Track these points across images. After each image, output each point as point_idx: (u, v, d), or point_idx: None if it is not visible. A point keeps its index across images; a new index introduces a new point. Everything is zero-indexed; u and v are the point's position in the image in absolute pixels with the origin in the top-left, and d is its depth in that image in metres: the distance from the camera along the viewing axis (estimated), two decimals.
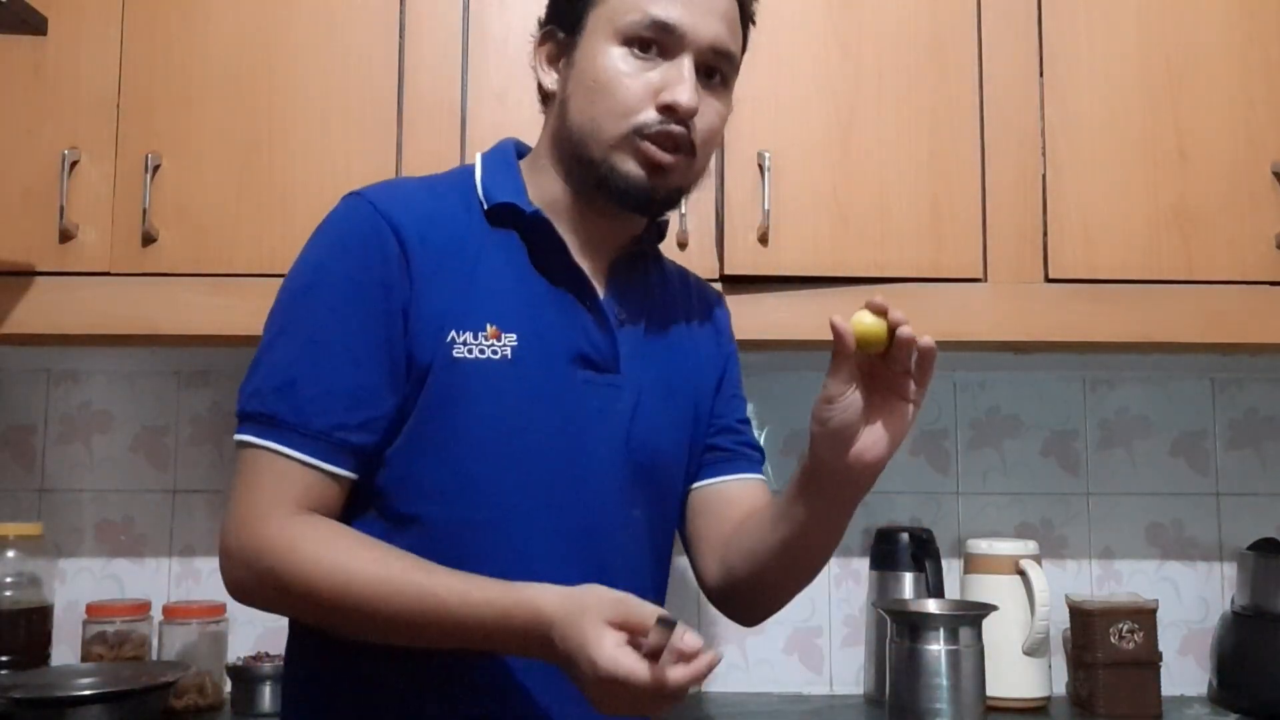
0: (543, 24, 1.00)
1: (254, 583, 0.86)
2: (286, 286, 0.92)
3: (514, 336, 0.92)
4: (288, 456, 0.86)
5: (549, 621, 0.78)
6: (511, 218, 0.96)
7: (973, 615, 1.38)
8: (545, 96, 1.00)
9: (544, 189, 0.98)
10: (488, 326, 0.91)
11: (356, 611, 0.83)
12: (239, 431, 0.88)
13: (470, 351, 0.90)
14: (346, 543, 0.86)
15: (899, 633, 1.38)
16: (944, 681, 1.34)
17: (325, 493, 0.88)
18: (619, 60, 0.93)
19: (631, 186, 0.93)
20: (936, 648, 1.35)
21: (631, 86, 0.92)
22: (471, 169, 1.00)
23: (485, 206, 0.96)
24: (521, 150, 1.04)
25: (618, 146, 0.93)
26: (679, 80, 0.92)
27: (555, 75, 0.98)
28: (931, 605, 1.43)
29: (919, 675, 1.34)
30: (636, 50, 0.93)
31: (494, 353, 0.91)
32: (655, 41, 0.93)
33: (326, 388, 0.87)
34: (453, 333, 0.90)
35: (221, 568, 0.87)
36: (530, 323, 0.93)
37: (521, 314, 0.93)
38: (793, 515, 0.96)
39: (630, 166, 0.93)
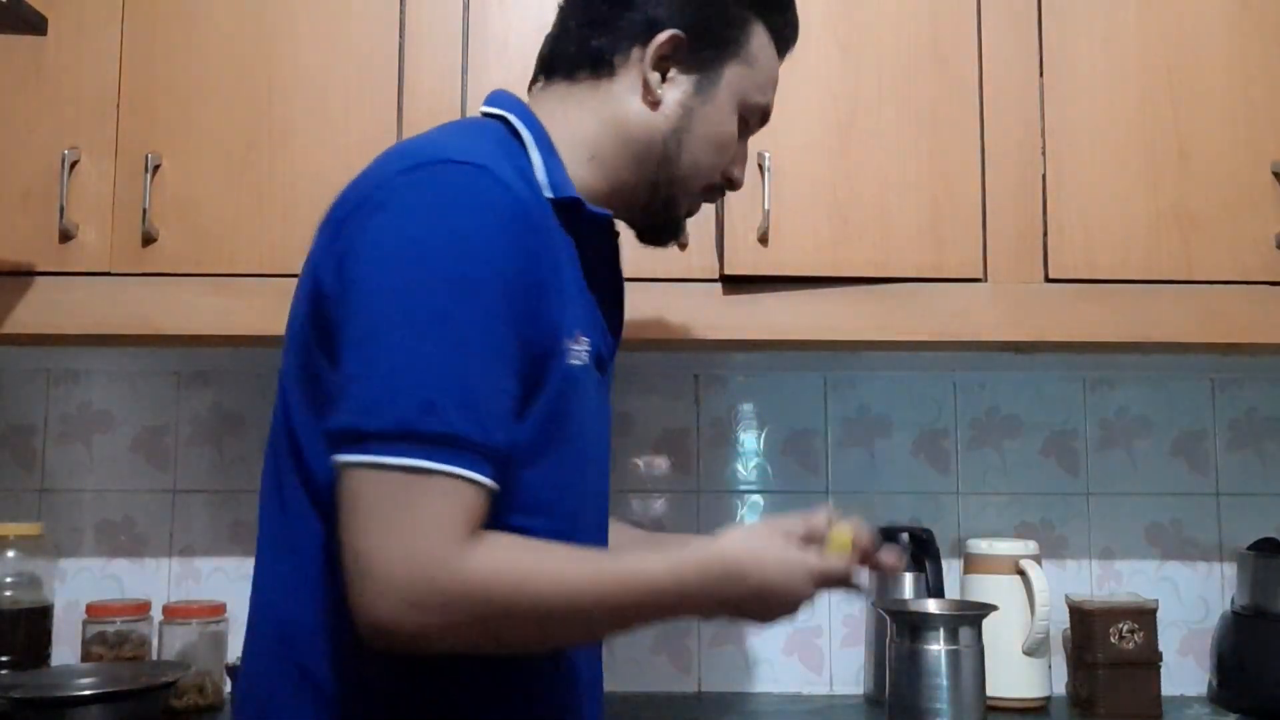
0: (673, 23, 0.94)
1: (449, 627, 0.74)
2: (432, 274, 0.76)
3: (587, 341, 0.88)
4: (469, 480, 0.75)
5: (740, 559, 0.82)
6: (570, 213, 0.90)
7: (973, 615, 1.39)
8: (600, 65, 0.94)
9: (583, 182, 0.93)
10: (575, 330, 0.86)
11: (581, 615, 0.79)
12: (396, 452, 0.73)
13: (573, 358, 0.85)
14: (536, 553, 0.79)
15: (899, 633, 1.38)
16: (944, 681, 1.34)
17: (486, 509, 0.78)
18: (734, 129, 0.99)
19: (671, 225, 1.02)
20: (937, 648, 1.35)
21: (730, 156, 1.00)
22: (511, 142, 0.91)
23: (549, 195, 0.88)
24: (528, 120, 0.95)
25: (690, 194, 1.00)
26: (744, 159, 1.03)
27: (660, 81, 0.94)
28: (932, 605, 1.43)
29: (919, 675, 1.34)
30: (740, 124, 1.00)
31: (582, 359, 0.87)
32: (751, 125, 1.02)
33: (501, 401, 0.78)
34: (565, 338, 0.85)
35: (386, 617, 0.73)
36: (590, 326, 0.91)
37: (585, 316, 0.90)
38: None
39: (682, 211, 1.01)
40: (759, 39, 0.98)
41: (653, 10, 0.94)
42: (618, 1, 0.94)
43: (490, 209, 0.79)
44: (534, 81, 1.01)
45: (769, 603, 0.84)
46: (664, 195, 0.97)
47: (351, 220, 0.81)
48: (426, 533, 0.73)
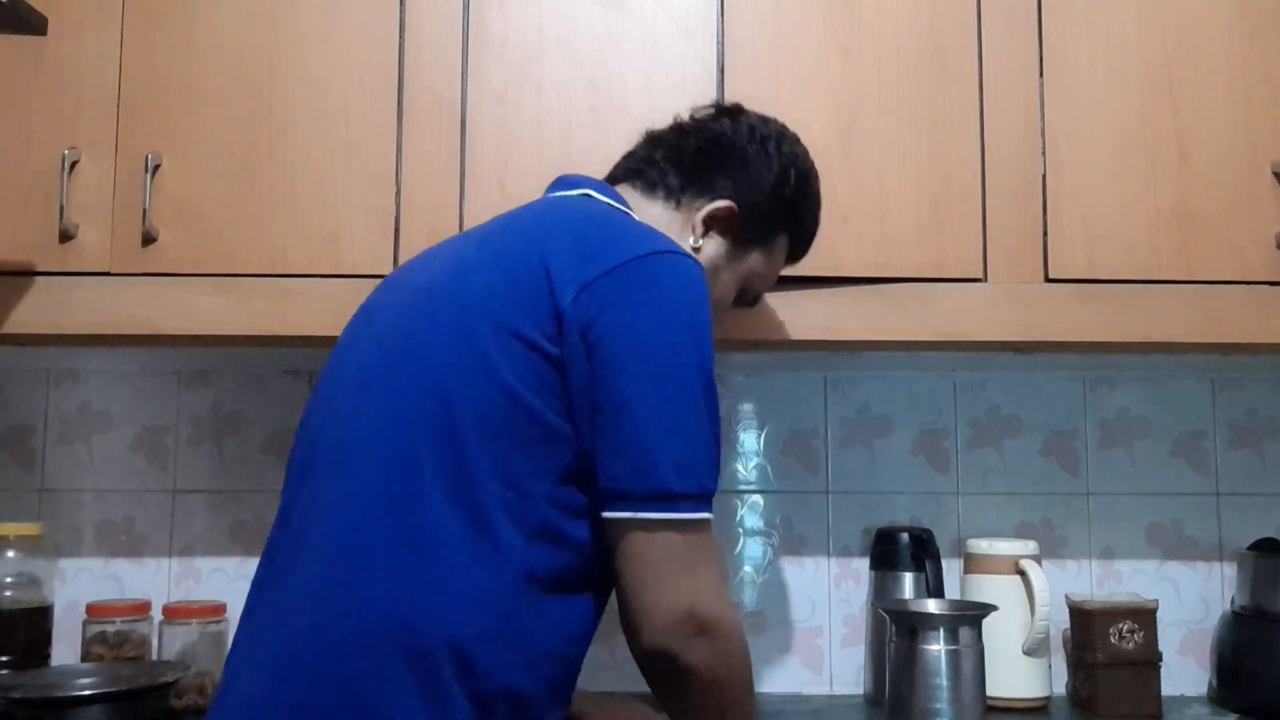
0: (734, 198, 1.12)
1: (731, 660, 0.91)
2: (691, 352, 0.92)
3: None
4: (707, 522, 0.92)
5: None
6: None
7: (973, 615, 1.38)
8: (671, 197, 1.13)
9: None
10: None
11: (750, 706, 0.96)
12: (683, 509, 0.89)
13: None
14: None
15: (898, 633, 1.38)
16: (944, 682, 1.34)
17: None
18: (730, 301, 1.18)
19: None
20: (937, 648, 1.35)
21: (719, 316, 1.12)
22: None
23: None
24: None
25: None
26: (720, 322, 1.14)
27: (704, 234, 1.12)
28: (931, 605, 1.42)
29: (919, 675, 1.34)
30: (737, 296, 1.19)
31: None
32: (745, 300, 1.22)
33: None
34: None
35: (684, 632, 0.88)
36: None
37: None
38: None
39: None
40: (781, 242, 1.19)
41: (725, 181, 1.13)
42: (705, 161, 1.13)
43: (703, 295, 0.95)
44: (614, 179, 1.17)
45: None
46: None
47: (602, 288, 0.91)
48: (713, 573, 0.90)
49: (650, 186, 1.13)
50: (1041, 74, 1.39)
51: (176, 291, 1.37)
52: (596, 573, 0.94)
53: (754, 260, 1.17)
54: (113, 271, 1.37)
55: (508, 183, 1.36)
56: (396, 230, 1.36)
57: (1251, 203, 1.37)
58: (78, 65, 1.39)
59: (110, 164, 1.38)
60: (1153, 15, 1.40)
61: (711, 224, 1.13)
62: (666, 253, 0.94)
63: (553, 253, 0.93)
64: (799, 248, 1.24)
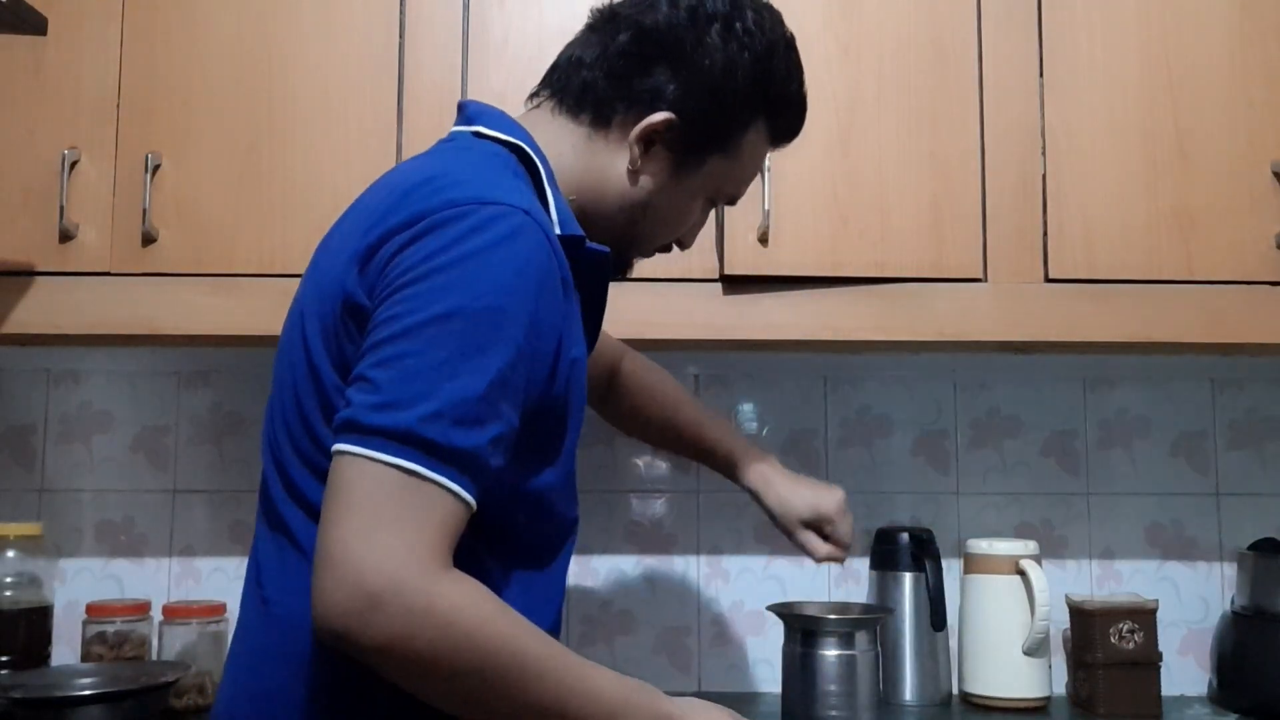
0: (675, 106, 0.95)
1: (397, 639, 0.73)
2: (465, 303, 0.78)
3: (582, 364, 0.94)
4: (459, 498, 0.77)
5: None
6: (572, 248, 0.91)
7: (868, 620, 1.36)
8: (600, 117, 0.97)
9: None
10: (581, 360, 0.92)
11: (517, 688, 0.78)
12: (397, 453, 0.75)
13: (580, 385, 0.92)
14: (505, 610, 0.79)
15: (790, 636, 1.35)
16: (838, 688, 1.31)
17: (463, 527, 0.80)
18: (697, 210, 1.05)
19: (617, 271, 1.05)
20: (832, 653, 1.32)
21: (686, 228, 1.07)
22: (524, 174, 0.93)
23: (559, 232, 0.90)
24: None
25: (642, 252, 1.07)
26: (700, 226, 1.09)
27: (642, 153, 0.97)
28: (826, 609, 1.42)
29: (812, 681, 1.31)
30: (705, 204, 1.06)
31: (582, 383, 0.93)
32: (718, 205, 1.09)
33: (501, 431, 0.80)
34: (579, 371, 0.91)
35: (354, 608, 0.73)
36: (585, 350, 0.96)
37: (582, 342, 0.95)
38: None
39: (631, 260, 1.08)
40: (754, 136, 1.01)
41: (663, 85, 0.95)
42: (635, 63, 0.96)
43: (532, 255, 0.82)
44: (538, 93, 1.02)
45: None
46: (621, 247, 1.02)
47: (392, 246, 0.82)
48: (406, 534, 0.74)
49: (577, 102, 0.97)
50: (1041, 74, 1.39)
51: (176, 291, 1.37)
52: (521, 543, 0.90)
53: (714, 166, 1.00)
54: (113, 271, 1.37)
55: None
56: None
57: (1251, 203, 1.37)
58: (78, 65, 1.39)
59: (110, 164, 1.38)
60: (1153, 15, 1.40)
61: (650, 141, 0.96)
62: (470, 203, 0.82)
63: (359, 228, 0.86)
64: (785, 133, 1.05)
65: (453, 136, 0.99)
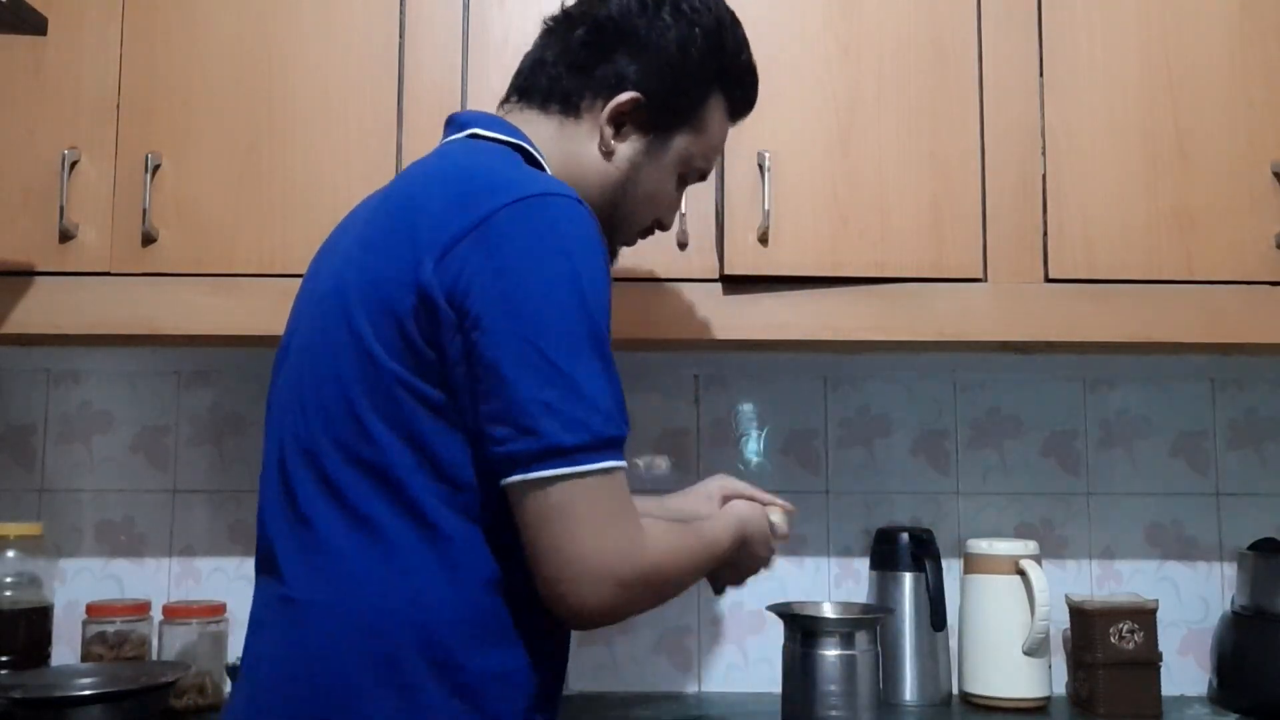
0: (639, 86, 1.01)
1: (646, 597, 0.88)
2: (567, 294, 0.84)
3: None
4: (623, 469, 0.87)
5: (748, 531, 1.09)
6: None
7: (868, 619, 1.36)
8: (568, 106, 1.02)
9: None
10: None
11: (697, 573, 0.98)
12: (598, 459, 0.83)
13: None
14: (670, 531, 0.94)
15: (791, 636, 1.35)
16: (838, 688, 1.31)
17: None
18: (672, 187, 1.09)
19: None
20: (832, 653, 1.32)
21: (664, 208, 1.10)
22: (532, 168, 0.97)
23: None
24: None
25: (624, 235, 1.09)
26: (676, 206, 1.13)
27: (614, 134, 1.02)
28: (826, 609, 1.41)
29: (813, 681, 1.31)
30: (678, 181, 1.09)
31: None
32: (689, 181, 1.12)
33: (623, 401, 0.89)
34: None
35: (598, 601, 0.84)
36: None
37: None
38: None
39: (616, 246, 1.10)
40: (714, 109, 1.07)
41: (624, 68, 1.01)
42: (595, 52, 1.01)
43: (597, 239, 0.89)
44: (507, 99, 1.06)
45: (753, 558, 1.11)
46: (605, 236, 1.01)
47: (464, 249, 0.85)
48: (619, 521, 0.85)
49: (544, 98, 1.02)
50: (1041, 74, 1.39)
51: (176, 291, 1.37)
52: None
53: (682, 142, 1.05)
54: (113, 271, 1.37)
55: None
56: None
57: (1251, 203, 1.37)
58: (78, 65, 1.39)
59: (110, 164, 1.38)
60: (1153, 15, 1.40)
61: (620, 122, 1.01)
62: (532, 197, 0.86)
63: (420, 219, 0.88)
64: (741, 106, 1.11)
65: (451, 143, 1.01)
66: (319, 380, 0.91)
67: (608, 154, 1.02)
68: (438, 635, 0.86)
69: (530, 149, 0.98)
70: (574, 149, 1.02)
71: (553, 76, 1.02)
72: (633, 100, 1.00)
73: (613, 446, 0.85)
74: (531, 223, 0.85)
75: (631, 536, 0.85)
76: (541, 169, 0.98)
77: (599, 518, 0.84)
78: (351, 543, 0.87)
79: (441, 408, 0.86)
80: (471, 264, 0.84)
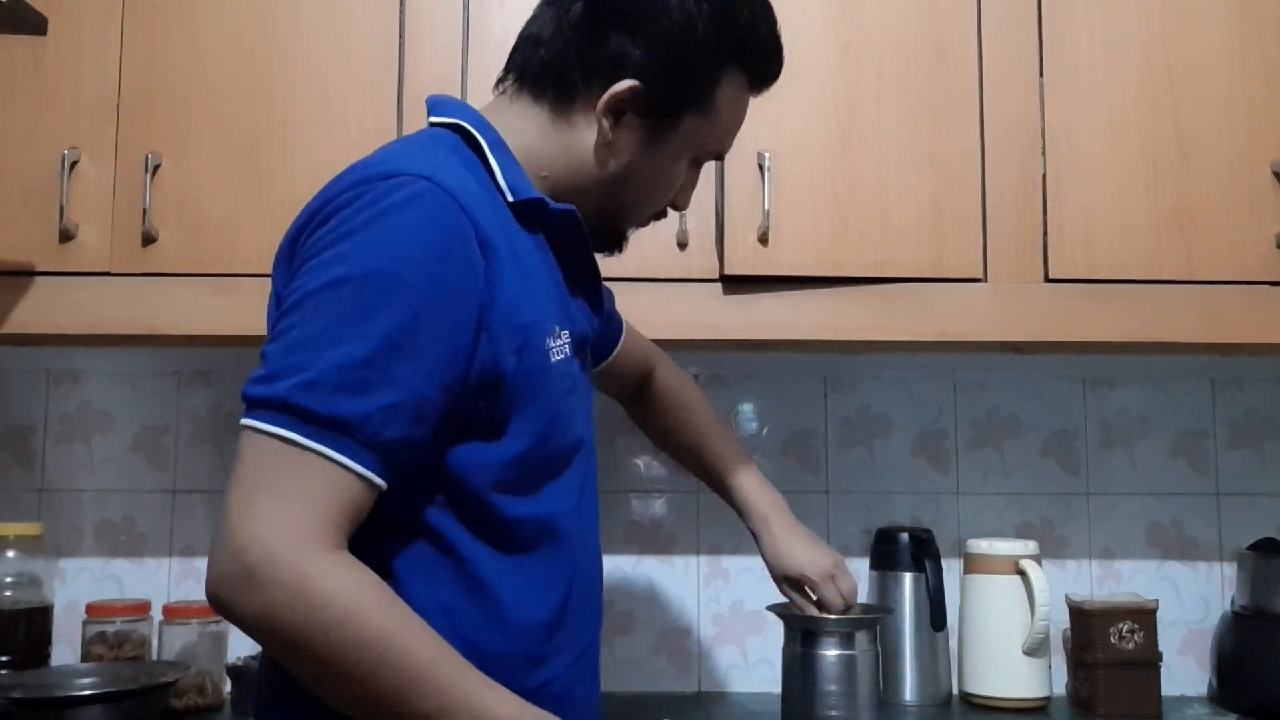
0: (639, 72, 0.92)
1: (266, 614, 0.73)
2: (353, 270, 0.77)
3: (565, 334, 0.92)
4: (344, 467, 0.75)
5: None
6: (535, 213, 0.92)
7: (868, 620, 1.36)
8: (563, 93, 0.94)
9: (540, 185, 0.96)
10: (553, 327, 0.90)
11: (391, 688, 0.74)
12: (274, 422, 0.75)
13: (555, 354, 0.89)
14: (395, 604, 0.77)
15: (790, 637, 1.34)
16: (838, 688, 1.30)
17: (365, 505, 0.78)
18: (681, 172, 1.00)
19: (614, 239, 1.03)
20: (831, 653, 1.31)
21: (675, 191, 1.02)
22: (467, 150, 0.92)
23: (510, 199, 0.90)
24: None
25: (635, 221, 1.03)
26: (692, 185, 1.04)
27: (613, 124, 0.94)
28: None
29: (812, 682, 1.30)
30: (691, 163, 1.01)
31: (564, 353, 0.91)
32: (703, 162, 1.03)
33: (398, 399, 0.77)
34: (546, 338, 0.88)
35: (231, 578, 0.73)
36: (566, 316, 0.94)
37: (559, 308, 0.93)
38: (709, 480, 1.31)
39: (626, 231, 1.03)
40: (729, 88, 0.97)
41: (623, 50, 0.92)
42: (591, 33, 0.93)
43: (431, 218, 0.80)
44: (503, 77, 1.00)
45: None
46: (609, 219, 1.00)
47: (304, 235, 0.83)
48: (288, 506, 0.74)
49: (536, 82, 0.95)
50: (1041, 74, 1.39)
51: (176, 291, 1.37)
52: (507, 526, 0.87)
53: (691, 126, 0.96)
54: (113, 271, 1.37)
55: None
56: None
57: (1251, 203, 1.37)
58: (78, 65, 1.39)
59: (110, 164, 1.38)
60: (1153, 15, 1.40)
61: (619, 110, 0.93)
62: (356, 184, 0.82)
63: (294, 222, 0.87)
64: (766, 77, 1.01)
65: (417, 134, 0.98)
66: None
67: (606, 145, 0.94)
68: None
69: (471, 126, 0.93)
70: (569, 141, 0.95)
71: (545, 59, 0.94)
72: (631, 89, 0.91)
73: (312, 422, 0.75)
74: (356, 204, 0.80)
75: (287, 528, 0.73)
76: (482, 152, 0.92)
77: (258, 486, 0.74)
78: None
79: None
80: (302, 254, 0.82)
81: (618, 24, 0.92)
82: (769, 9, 0.99)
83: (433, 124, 0.96)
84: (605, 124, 0.93)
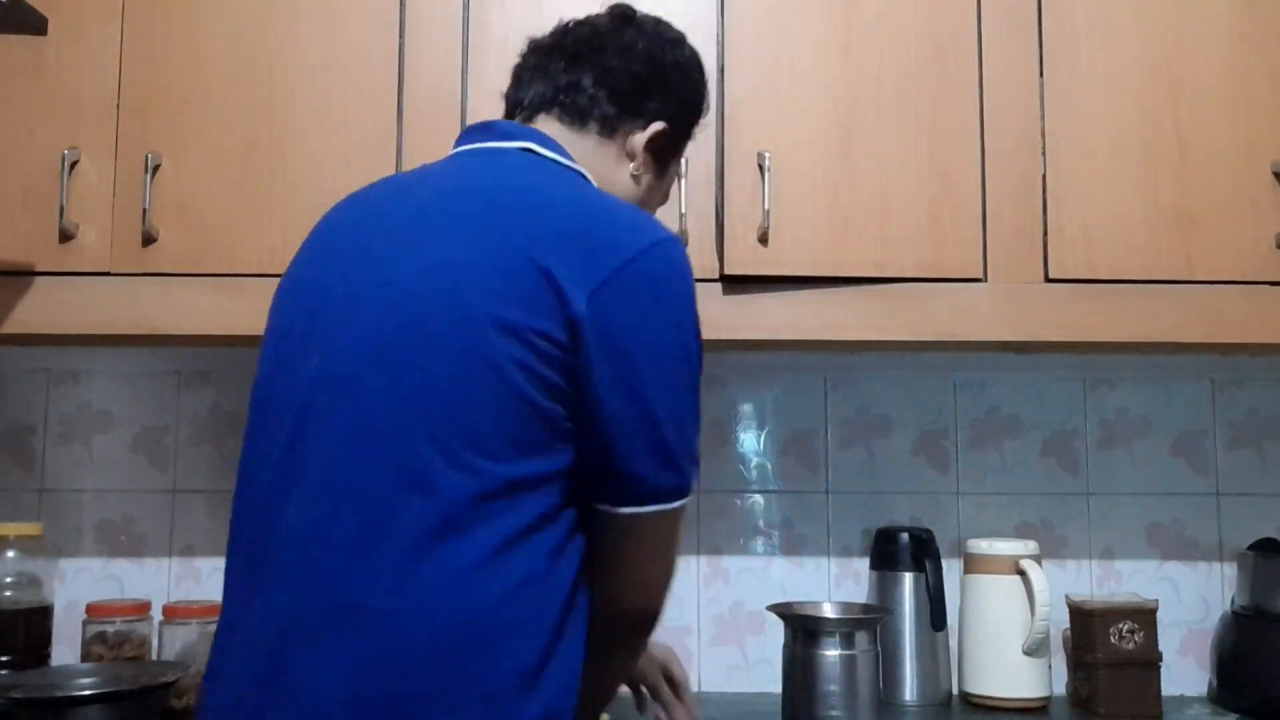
0: (668, 120, 1.11)
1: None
2: (695, 348, 0.98)
3: None
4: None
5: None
6: None
7: (868, 619, 1.36)
8: (605, 128, 1.09)
9: None
10: None
11: None
12: (687, 495, 0.98)
13: None
14: None
15: (792, 637, 1.34)
16: (839, 687, 1.31)
17: None
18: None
19: None
20: (832, 653, 1.32)
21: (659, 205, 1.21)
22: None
23: None
24: None
25: None
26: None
27: (644, 160, 1.11)
28: (826, 609, 1.41)
29: (814, 681, 1.31)
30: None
31: None
32: None
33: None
34: None
35: (661, 608, 1.01)
36: None
37: None
38: None
39: None
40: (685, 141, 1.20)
41: (663, 105, 1.11)
42: (645, 90, 1.10)
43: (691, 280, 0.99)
44: (538, 109, 1.09)
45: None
46: None
47: (612, 290, 0.91)
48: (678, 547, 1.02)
49: (581, 116, 1.09)
50: (1041, 74, 1.39)
51: (176, 291, 1.37)
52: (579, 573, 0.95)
53: (673, 170, 1.19)
54: (113, 271, 1.37)
55: None
56: None
57: (1251, 203, 1.37)
58: (78, 65, 1.39)
59: (110, 164, 1.38)
60: (1153, 15, 1.40)
61: (650, 149, 1.11)
62: (662, 242, 0.95)
63: (550, 252, 0.90)
64: (692, 129, 1.21)
65: (504, 153, 1.02)
66: (425, 385, 0.88)
67: (636, 177, 1.11)
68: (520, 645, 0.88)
69: (587, 177, 1.05)
70: (608, 171, 1.09)
71: (593, 98, 1.08)
72: (664, 132, 1.11)
73: (688, 490, 0.99)
74: (667, 269, 0.95)
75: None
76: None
77: (677, 543, 1.01)
78: (434, 548, 0.86)
79: (560, 427, 0.90)
80: (621, 306, 0.91)
81: (658, 86, 1.12)
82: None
83: (531, 152, 1.03)
84: (641, 158, 1.11)
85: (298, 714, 0.84)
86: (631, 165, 1.11)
